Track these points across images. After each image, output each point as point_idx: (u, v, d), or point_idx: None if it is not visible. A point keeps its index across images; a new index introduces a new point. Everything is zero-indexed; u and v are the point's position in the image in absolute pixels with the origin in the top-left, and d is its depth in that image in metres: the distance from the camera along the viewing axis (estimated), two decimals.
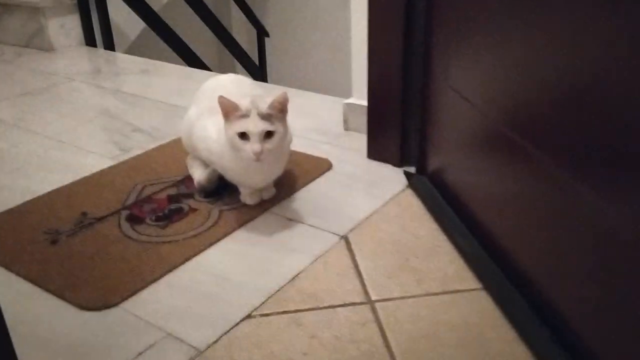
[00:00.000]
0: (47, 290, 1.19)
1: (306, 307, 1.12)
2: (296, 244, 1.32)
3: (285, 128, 1.32)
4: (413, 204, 1.47)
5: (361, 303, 1.13)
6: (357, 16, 1.73)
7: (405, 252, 1.28)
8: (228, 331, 1.07)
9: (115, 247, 1.31)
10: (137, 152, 1.78)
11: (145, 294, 1.17)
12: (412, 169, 1.61)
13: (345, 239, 1.34)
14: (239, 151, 1.29)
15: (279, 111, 1.29)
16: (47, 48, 2.91)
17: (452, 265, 1.23)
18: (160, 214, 1.44)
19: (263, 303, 1.14)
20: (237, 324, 1.09)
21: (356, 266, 1.24)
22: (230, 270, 1.24)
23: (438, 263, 1.24)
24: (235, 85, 1.48)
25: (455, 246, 1.29)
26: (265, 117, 1.26)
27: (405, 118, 1.59)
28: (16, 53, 2.91)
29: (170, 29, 3.16)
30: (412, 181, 1.55)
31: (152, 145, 1.82)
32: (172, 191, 1.54)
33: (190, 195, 1.51)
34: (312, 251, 1.29)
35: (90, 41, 3.00)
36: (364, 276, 1.21)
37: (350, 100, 1.87)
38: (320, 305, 1.13)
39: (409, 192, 1.52)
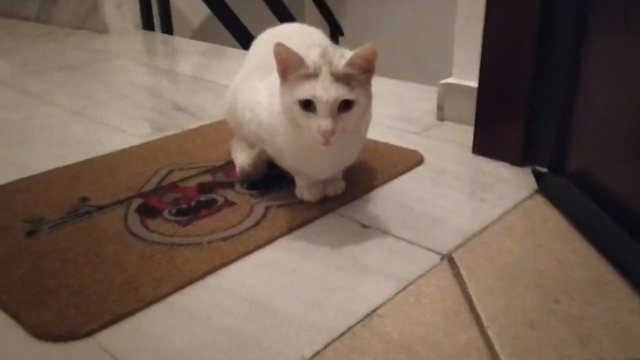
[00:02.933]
0: None
1: None
2: (374, 263, 0.87)
3: (368, 98, 0.90)
4: (549, 215, 0.99)
5: None
6: None
7: (551, 287, 0.80)
8: None
9: (112, 248, 0.90)
10: (174, 132, 1.39)
11: (136, 322, 0.75)
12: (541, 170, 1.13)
13: (450, 259, 0.88)
14: (300, 128, 0.88)
15: (363, 71, 0.87)
16: (101, 30, 2.62)
17: (632, 315, 0.74)
18: (185, 206, 1.03)
19: (318, 353, 0.69)
20: None
21: (470, 303, 0.78)
22: (272, 295, 0.80)
23: (609, 310, 0.75)
24: (299, 36, 1.06)
25: (633, 282, 0.80)
26: (342, 78, 0.85)
27: (536, 104, 1.12)
28: (67, 33, 2.63)
29: (237, 17, 2.81)
30: (546, 184, 1.07)
31: (194, 126, 1.42)
32: (206, 179, 1.13)
33: (229, 185, 1.10)
34: (399, 275, 0.84)
35: (147, 25, 2.69)
36: (485, 321, 0.74)
37: (450, 80, 1.41)
38: None
39: (540, 200, 1.04)
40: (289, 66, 0.87)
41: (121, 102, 1.65)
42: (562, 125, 1.07)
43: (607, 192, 0.95)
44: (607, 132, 0.96)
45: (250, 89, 1.04)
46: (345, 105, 0.86)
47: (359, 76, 0.87)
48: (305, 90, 0.85)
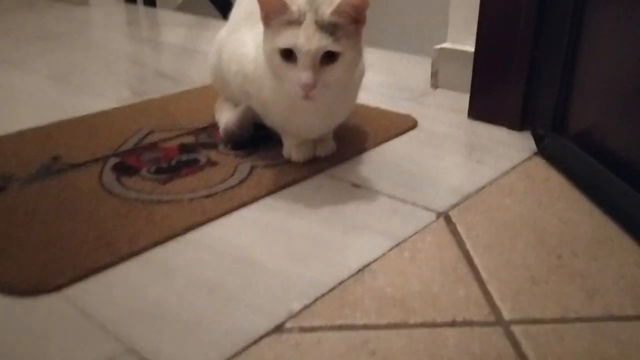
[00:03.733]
0: None
1: (384, 321, 0.62)
2: (366, 220, 0.82)
3: (357, 51, 0.83)
4: (550, 175, 0.94)
5: (486, 324, 0.62)
6: None
7: (553, 244, 0.76)
8: (239, 354, 0.58)
9: (85, 204, 0.84)
10: (155, 97, 1.32)
11: (108, 277, 0.70)
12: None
13: (446, 217, 0.83)
14: (280, 79, 0.82)
15: (352, 20, 0.80)
16: (81, 2, 2.54)
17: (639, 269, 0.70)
18: (165, 165, 0.97)
19: (307, 307, 0.64)
20: (256, 341, 0.60)
21: (468, 258, 0.73)
22: (257, 250, 0.75)
23: (615, 265, 0.71)
24: None
25: (638, 236, 0.76)
26: (327, 27, 0.78)
27: (535, 66, 1.07)
28: (47, 5, 2.54)
29: None
30: (546, 145, 1.02)
31: (177, 91, 1.36)
32: (188, 139, 1.07)
33: (212, 146, 1.04)
34: (393, 232, 0.79)
35: None
36: (484, 276, 0.69)
37: (445, 45, 1.36)
38: (410, 321, 0.62)
39: (541, 161, 0.99)
40: (272, 10, 0.80)
41: (101, 69, 1.58)
42: (563, 86, 1.02)
43: (610, 149, 0.90)
44: (609, 90, 0.91)
45: (236, 41, 0.97)
46: (329, 57, 0.79)
47: (347, 26, 0.79)
48: (286, 38, 0.78)
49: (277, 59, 0.80)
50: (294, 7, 0.79)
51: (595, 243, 0.76)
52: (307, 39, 0.77)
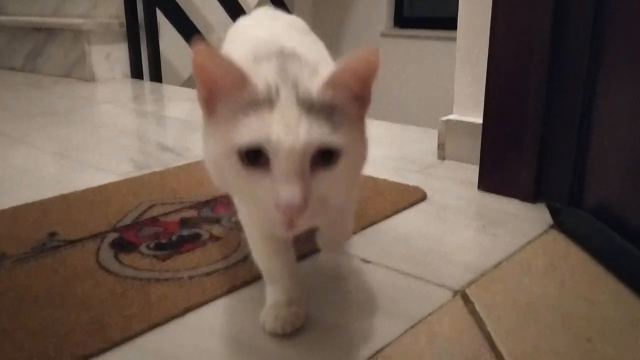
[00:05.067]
0: None
1: None
2: (377, 300, 0.77)
3: (363, 143, 0.57)
4: (570, 250, 0.89)
5: None
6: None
7: (581, 327, 0.70)
8: None
9: (80, 285, 0.79)
10: (157, 170, 1.30)
11: None
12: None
13: (463, 295, 0.77)
14: (242, 197, 0.58)
15: (353, 98, 0.54)
16: (88, 78, 2.58)
17: None
18: (165, 240, 0.92)
19: None
20: None
21: (491, 343, 0.67)
22: (260, 334, 0.69)
23: None
24: (267, 27, 0.77)
25: None
26: (316, 108, 0.51)
27: (548, 136, 1.04)
28: (53, 82, 2.58)
29: None
30: (563, 218, 0.98)
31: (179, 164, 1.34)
32: (190, 214, 1.03)
33: (215, 221, 1.00)
34: (406, 312, 0.73)
35: (137, 74, 2.65)
36: None
37: (451, 117, 1.35)
38: None
39: (558, 235, 0.95)
40: (220, 87, 0.52)
41: (104, 144, 1.57)
42: (579, 156, 0.99)
43: (632, 222, 0.86)
44: (628, 159, 0.88)
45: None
46: (325, 158, 0.50)
47: (346, 107, 0.53)
48: (251, 130, 0.49)
49: (235, 165, 0.50)
50: (258, 80, 0.51)
51: (625, 324, 0.70)
52: (286, 128, 0.48)
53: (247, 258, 0.86)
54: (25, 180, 1.27)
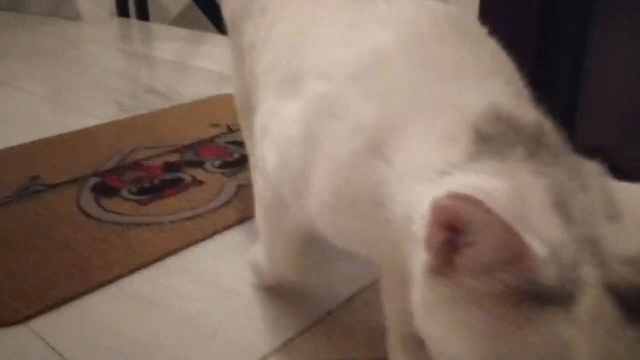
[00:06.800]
0: None
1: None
2: None
3: None
4: None
5: None
6: None
7: None
8: None
9: (62, 229, 0.80)
10: (143, 113, 1.28)
11: (80, 308, 0.65)
12: None
13: None
14: None
15: None
16: (74, 17, 2.51)
17: None
18: (147, 185, 0.92)
19: (291, 341, 0.60)
20: None
21: None
22: (240, 278, 0.70)
23: None
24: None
25: None
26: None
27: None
28: (39, 21, 2.52)
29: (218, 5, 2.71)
30: None
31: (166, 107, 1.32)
32: (174, 158, 1.03)
33: (199, 165, 1.00)
34: None
35: (123, 13, 2.58)
36: None
37: None
38: None
39: None
40: (477, 251, 0.32)
41: (91, 86, 1.54)
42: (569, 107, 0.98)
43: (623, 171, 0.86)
44: (618, 111, 0.88)
45: (273, 117, 0.52)
46: None
47: None
48: (535, 345, 0.30)
49: None
50: (540, 252, 0.30)
51: None
52: (601, 353, 0.29)
53: (228, 203, 0.87)
54: (9, 123, 1.25)
